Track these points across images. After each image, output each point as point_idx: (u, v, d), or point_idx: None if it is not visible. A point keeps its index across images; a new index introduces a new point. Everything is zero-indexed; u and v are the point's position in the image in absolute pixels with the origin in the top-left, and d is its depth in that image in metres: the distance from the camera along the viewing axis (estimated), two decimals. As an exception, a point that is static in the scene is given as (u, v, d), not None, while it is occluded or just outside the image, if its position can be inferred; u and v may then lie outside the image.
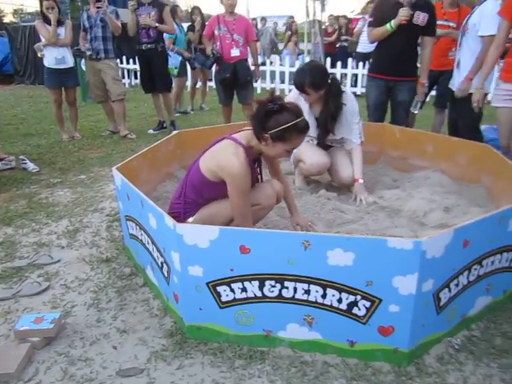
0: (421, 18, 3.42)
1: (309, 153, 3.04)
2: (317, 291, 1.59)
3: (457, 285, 1.68)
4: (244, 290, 1.65)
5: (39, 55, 5.09)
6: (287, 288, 1.61)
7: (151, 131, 5.76)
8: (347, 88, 8.21)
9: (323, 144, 3.19)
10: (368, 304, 1.56)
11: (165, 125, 5.83)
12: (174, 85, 6.08)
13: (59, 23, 4.98)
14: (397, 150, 3.58)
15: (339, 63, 8.93)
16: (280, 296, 1.63)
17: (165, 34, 5.55)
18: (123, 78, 10.45)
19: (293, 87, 3.04)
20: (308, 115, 2.79)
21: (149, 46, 5.26)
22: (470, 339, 1.75)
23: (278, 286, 1.61)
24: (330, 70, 3.73)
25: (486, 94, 3.51)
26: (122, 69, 10.44)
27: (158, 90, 5.57)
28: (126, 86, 10.34)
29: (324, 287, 1.57)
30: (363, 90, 7.69)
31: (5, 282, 2.23)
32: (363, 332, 1.61)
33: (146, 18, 5.12)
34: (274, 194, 2.22)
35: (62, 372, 1.63)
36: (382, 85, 3.68)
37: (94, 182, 3.78)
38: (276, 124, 1.91)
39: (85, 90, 7.98)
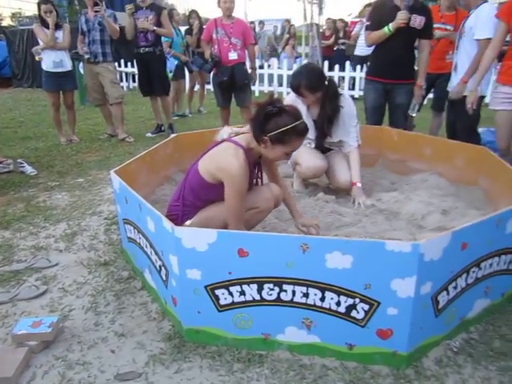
0: (418, 21, 3.43)
1: (305, 156, 3.05)
2: (315, 294, 1.59)
3: (455, 287, 1.68)
4: (242, 293, 1.65)
5: (37, 59, 5.09)
6: (286, 291, 1.61)
7: (149, 134, 5.77)
8: (345, 91, 8.24)
9: (321, 147, 3.19)
10: (366, 307, 1.56)
11: (163, 128, 5.84)
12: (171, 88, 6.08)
13: (57, 27, 4.99)
14: (395, 152, 3.59)
15: (337, 66, 8.95)
16: (278, 299, 1.63)
17: (162, 38, 5.56)
18: (121, 81, 10.47)
19: (290, 90, 3.04)
20: (306, 118, 2.80)
21: (147, 49, 5.27)
22: (469, 342, 1.75)
23: (277, 289, 1.61)
24: (327, 73, 3.75)
25: (482, 97, 3.53)
26: (120, 72, 10.45)
27: (156, 94, 5.58)
28: (124, 89, 10.35)
29: (322, 290, 1.57)
30: (361, 93, 7.70)
31: (2, 286, 2.22)
32: (362, 335, 1.60)
33: (144, 22, 5.13)
34: (271, 198, 2.23)
35: (60, 376, 1.62)
36: (380, 88, 3.69)
37: (91, 185, 3.78)
38: (275, 127, 1.92)
39: (83, 94, 7.98)
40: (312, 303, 1.60)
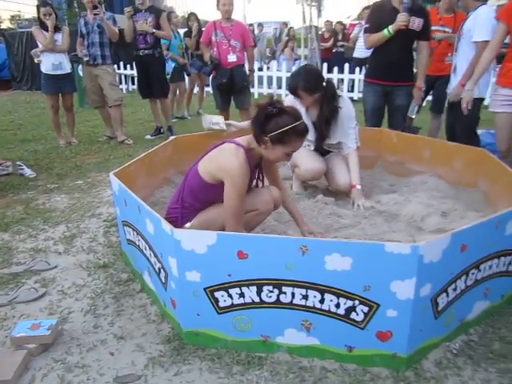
0: (416, 23, 3.44)
1: (304, 158, 3.05)
2: (315, 296, 1.58)
3: (454, 289, 1.68)
4: (242, 295, 1.65)
5: (36, 61, 5.09)
6: (285, 293, 1.61)
7: (148, 137, 5.77)
8: (344, 93, 8.25)
9: (320, 149, 3.19)
10: (366, 309, 1.56)
11: (162, 130, 5.85)
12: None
13: (56, 29, 5.00)
14: (394, 154, 3.59)
15: (336, 68, 8.96)
16: (278, 301, 1.62)
17: (161, 40, 5.57)
18: (120, 83, 10.48)
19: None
20: (305, 119, 2.80)
21: (146, 51, 5.28)
22: (468, 344, 1.75)
23: (276, 291, 1.61)
24: (326, 76, 3.76)
25: (482, 99, 3.54)
26: (119, 74, 10.47)
27: (156, 96, 5.59)
28: (123, 91, 10.36)
29: (322, 292, 1.57)
30: (360, 95, 7.71)
31: (1, 289, 2.21)
32: (361, 337, 1.60)
33: (143, 24, 5.14)
34: (271, 200, 2.23)
35: (59, 379, 1.62)
36: (379, 90, 3.69)
37: (91, 187, 3.78)
38: (275, 127, 1.92)
39: (82, 96, 7.99)
40: (311, 305, 1.60)
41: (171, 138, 3.52)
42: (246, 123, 2.95)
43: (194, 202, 2.12)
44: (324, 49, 10.22)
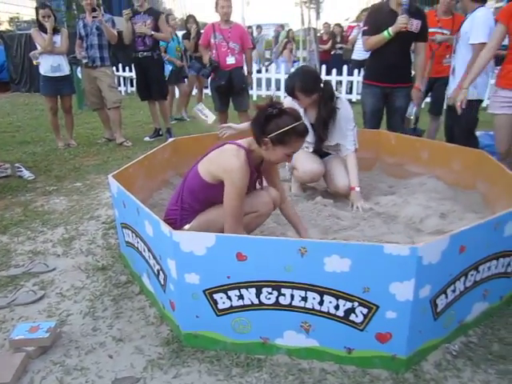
0: (414, 24, 3.45)
1: (302, 160, 3.05)
2: (314, 298, 1.58)
3: (453, 291, 1.68)
4: (241, 297, 1.64)
5: (35, 63, 5.09)
6: (284, 295, 1.60)
7: (147, 139, 5.77)
8: (342, 95, 8.26)
9: (319, 151, 3.19)
10: (365, 311, 1.56)
11: (161, 132, 5.85)
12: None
13: (55, 31, 5.00)
14: (392, 156, 3.59)
15: (334, 70, 8.98)
16: (277, 303, 1.62)
17: (159, 42, 5.57)
18: (119, 85, 10.47)
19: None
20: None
21: (145, 53, 5.29)
22: (468, 345, 1.75)
23: (275, 293, 1.61)
24: (325, 78, 3.77)
25: (480, 101, 3.55)
26: (118, 76, 10.46)
27: (154, 98, 5.59)
28: (122, 93, 10.36)
29: (321, 294, 1.57)
30: (358, 97, 7.73)
31: (0, 291, 2.21)
32: (361, 339, 1.60)
33: (142, 27, 5.15)
34: (270, 201, 2.22)
35: (58, 382, 1.61)
36: (379, 92, 3.69)
37: (89, 189, 3.77)
38: (276, 128, 1.93)
39: (81, 98, 7.99)
40: (310, 307, 1.60)
41: (170, 139, 3.52)
42: (245, 125, 2.95)
43: (194, 203, 2.12)
44: (322, 51, 10.25)
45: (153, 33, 5.18)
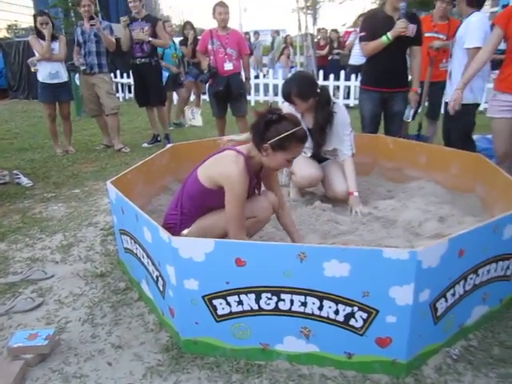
0: (411, 28, 3.47)
1: (300, 165, 3.04)
2: (313, 303, 1.58)
3: (453, 294, 1.68)
4: (240, 303, 1.64)
5: (33, 70, 5.10)
6: (284, 300, 1.60)
7: (145, 145, 5.78)
8: (340, 100, 8.29)
9: (318, 156, 3.20)
10: (365, 315, 1.55)
11: (159, 138, 5.85)
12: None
13: (53, 38, 5.01)
14: (390, 160, 3.60)
15: (332, 76, 9.01)
16: (276, 308, 1.62)
17: (157, 49, 5.59)
18: (117, 92, 10.50)
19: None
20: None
21: (143, 60, 5.31)
22: (468, 349, 1.75)
23: (275, 298, 1.60)
24: (323, 83, 3.78)
25: (477, 105, 3.56)
26: (116, 83, 10.50)
27: (152, 104, 5.60)
28: (120, 100, 10.37)
29: (320, 299, 1.57)
30: (356, 102, 7.75)
31: (-2, 299, 2.20)
32: (361, 344, 1.60)
33: (140, 33, 5.17)
34: (269, 207, 2.22)
35: (56, 389, 1.60)
36: (377, 97, 3.70)
37: (88, 196, 3.77)
38: (276, 133, 1.93)
39: (79, 105, 8.00)
40: (310, 312, 1.60)
41: (168, 145, 3.52)
42: (245, 136, 2.95)
43: (193, 208, 2.12)
44: (320, 56, 10.29)
45: (150, 39, 5.20)
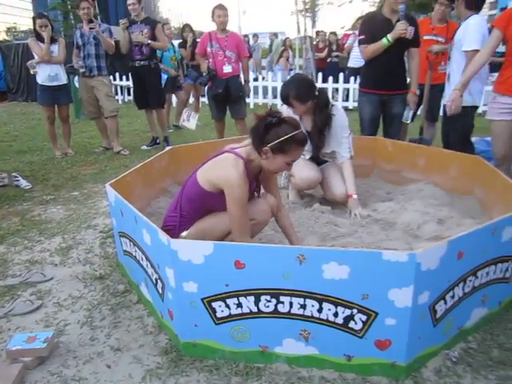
0: (409, 31, 3.48)
1: (299, 167, 3.04)
2: (313, 305, 1.58)
3: (452, 297, 1.68)
4: (239, 305, 1.64)
5: (32, 72, 5.10)
6: (283, 303, 1.60)
7: (144, 147, 5.77)
8: (339, 102, 8.30)
9: (316, 158, 3.20)
10: (364, 318, 1.55)
11: (158, 141, 5.85)
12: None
13: (52, 41, 5.02)
14: (389, 163, 3.61)
15: (330, 78, 9.03)
16: (276, 311, 1.62)
17: (157, 51, 5.60)
18: (116, 94, 10.51)
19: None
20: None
21: (142, 62, 5.31)
22: (467, 351, 1.75)
23: (274, 300, 1.60)
24: (321, 85, 3.79)
25: (476, 107, 3.57)
26: (115, 85, 10.50)
27: (152, 106, 5.61)
28: (119, 102, 10.39)
29: (320, 301, 1.57)
30: (355, 104, 7.77)
31: (-4, 301, 2.20)
32: (360, 346, 1.59)
33: (139, 36, 5.18)
34: (268, 209, 2.23)
35: (55, 392, 1.60)
36: (376, 100, 3.71)
37: (87, 198, 3.77)
38: (275, 136, 1.94)
39: (78, 107, 8.00)
40: (309, 315, 1.60)
41: (167, 148, 3.52)
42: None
43: (192, 210, 2.12)
44: (319, 59, 10.32)
45: (150, 42, 5.20)
